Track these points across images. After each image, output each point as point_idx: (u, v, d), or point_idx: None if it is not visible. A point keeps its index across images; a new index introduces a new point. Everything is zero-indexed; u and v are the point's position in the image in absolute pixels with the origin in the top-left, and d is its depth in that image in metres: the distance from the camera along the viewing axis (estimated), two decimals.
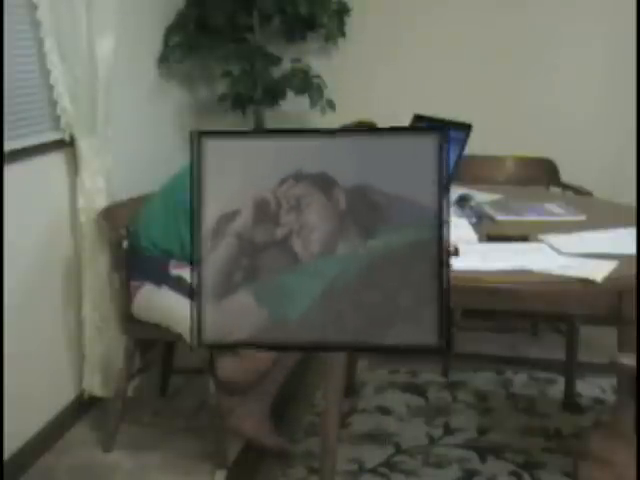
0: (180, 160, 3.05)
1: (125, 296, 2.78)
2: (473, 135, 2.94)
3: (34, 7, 2.70)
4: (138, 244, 2.73)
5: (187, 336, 2.64)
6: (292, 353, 2.84)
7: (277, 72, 3.92)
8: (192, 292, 2.60)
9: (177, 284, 2.66)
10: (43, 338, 2.87)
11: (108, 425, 2.92)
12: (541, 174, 3.64)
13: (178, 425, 3.09)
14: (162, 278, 2.68)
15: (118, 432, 2.93)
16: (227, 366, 2.67)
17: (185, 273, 2.68)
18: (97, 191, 2.92)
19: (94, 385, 3.07)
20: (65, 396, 3.06)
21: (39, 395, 2.87)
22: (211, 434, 2.84)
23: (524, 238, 2.37)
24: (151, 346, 3.32)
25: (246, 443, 2.91)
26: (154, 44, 3.68)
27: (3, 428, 2.57)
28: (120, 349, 2.95)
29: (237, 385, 2.75)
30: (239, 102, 3.86)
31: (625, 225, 2.50)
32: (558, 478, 2.77)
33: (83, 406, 3.12)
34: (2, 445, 2.59)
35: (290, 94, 3.89)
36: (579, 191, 3.44)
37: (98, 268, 2.97)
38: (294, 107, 3.99)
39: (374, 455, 2.90)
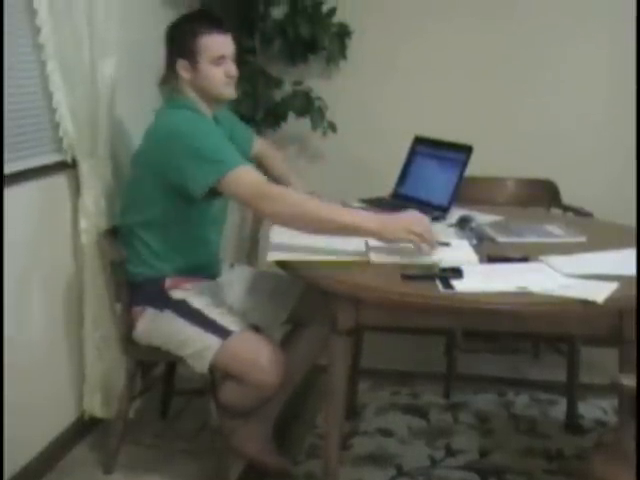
0: None
1: (126, 318, 2.78)
2: (474, 156, 2.96)
3: (37, 30, 2.71)
4: (130, 272, 2.76)
5: (190, 360, 2.64)
6: (295, 376, 2.85)
7: (278, 94, 3.94)
8: (196, 315, 2.63)
9: (180, 308, 2.66)
10: (44, 358, 2.87)
11: (109, 446, 2.91)
12: (542, 195, 3.65)
13: (179, 447, 3.08)
14: (164, 302, 2.68)
15: (119, 454, 2.92)
16: (229, 391, 2.66)
17: (188, 296, 2.68)
18: (99, 213, 2.93)
19: (95, 406, 3.05)
20: (67, 417, 3.06)
21: (40, 416, 2.87)
22: (212, 456, 2.83)
23: (525, 259, 2.38)
24: (152, 367, 3.31)
25: (247, 465, 2.90)
26: (156, 66, 3.69)
27: (4, 449, 2.57)
28: (121, 370, 2.94)
29: (238, 409, 2.74)
30: None
31: (625, 246, 2.51)
32: None
33: (84, 427, 3.12)
34: (2, 466, 2.58)
35: (291, 116, 3.91)
36: (580, 212, 3.45)
37: (99, 289, 2.97)
38: (295, 129, 4.01)
39: (375, 477, 2.89)
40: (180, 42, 2.70)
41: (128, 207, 2.80)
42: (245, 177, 2.48)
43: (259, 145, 3.14)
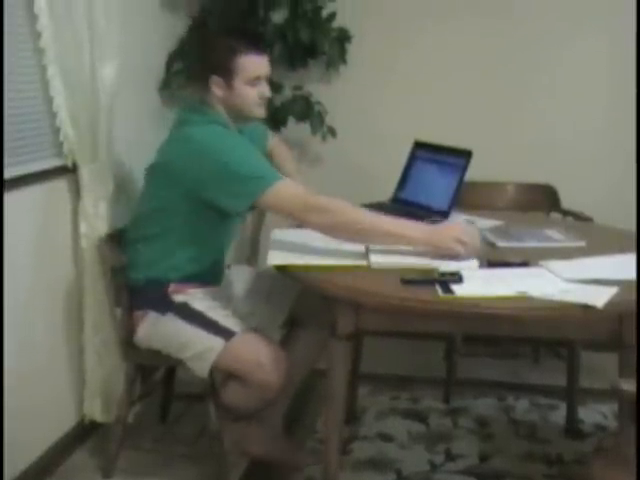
0: None
1: (127, 322, 2.78)
2: (474, 161, 2.96)
3: (37, 34, 2.72)
4: (132, 278, 2.76)
5: (190, 363, 2.64)
6: (295, 377, 2.85)
7: (278, 99, 3.94)
8: (198, 318, 2.63)
9: (182, 311, 2.66)
10: (44, 362, 2.87)
11: (108, 451, 2.91)
12: (541, 200, 3.65)
13: (178, 452, 3.08)
14: (166, 306, 2.68)
15: (118, 458, 2.91)
16: (232, 392, 2.66)
17: (190, 299, 2.68)
18: (99, 217, 2.93)
19: (95, 410, 3.05)
20: (67, 421, 3.06)
21: (40, 420, 2.86)
22: (212, 461, 2.83)
23: (524, 264, 2.38)
24: (152, 371, 3.31)
25: (246, 470, 2.90)
26: (156, 71, 3.70)
27: (4, 453, 2.57)
28: (121, 374, 2.94)
29: (242, 411, 2.74)
30: None
31: (625, 251, 2.51)
32: None
33: (84, 431, 3.11)
34: (2, 471, 2.58)
35: (291, 121, 3.91)
36: (579, 217, 3.45)
37: (99, 294, 2.97)
38: (295, 134, 4.01)
39: None
40: (216, 58, 2.67)
41: (144, 217, 2.76)
42: (285, 191, 2.50)
43: (273, 141, 3.14)
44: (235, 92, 2.66)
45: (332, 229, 2.49)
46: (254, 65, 2.65)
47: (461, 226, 2.50)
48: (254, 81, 2.66)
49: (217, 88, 2.66)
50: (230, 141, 2.60)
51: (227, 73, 2.64)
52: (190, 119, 2.70)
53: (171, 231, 2.68)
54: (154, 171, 2.73)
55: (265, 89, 2.70)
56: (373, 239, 2.48)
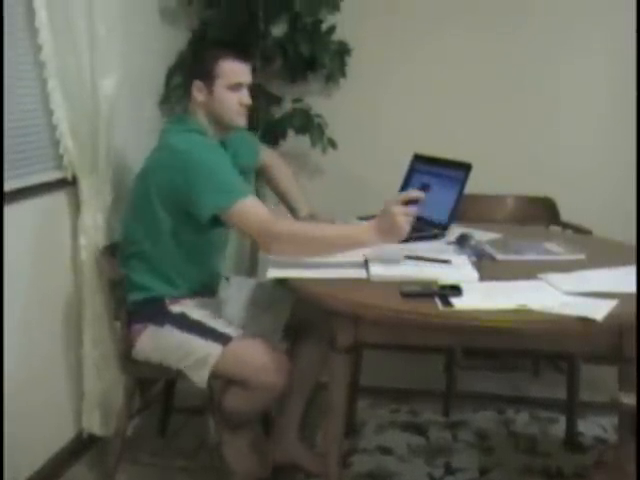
0: None
1: (126, 335, 2.77)
2: (473, 174, 2.96)
3: (38, 47, 2.73)
4: (130, 299, 2.76)
5: (189, 372, 2.63)
6: (305, 386, 2.89)
7: (278, 112, 3.95)
8: (195, 326, 2.62)
9: (179, 321, 2.66)
10: (43, 376, 2.87)
11: (107, 464, 2.90)
12: (541, 213, 3.66)
13: (177, 465, 3.06)
14: (164, 317, 2.68)
15: (117, 472, 2.89)
16: (233, 398, 2.64)
17: (187, 309, 2.68)
18: (98, 229, 2.93)
19: (93, 424, 3.05)
20: (65, 434, 3.05)
21: (38, 434, 2.86)
22: (211, 474, 2.82)
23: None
24: (151, 385, 3.31)
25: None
26: (156, 84, 3.71)
27: (3, 466, 2.56)
28: (120, 387, 2.94)
29: (245, 416, 2.73)
30: None
31: (625, 263, 2.51)
32: None
33: (82, 445, 3.11)
34: None
35: (291, 133, 3.92)
36: (579, 229, 3.45)
37: (98, 307, 2.97)
38: (295, 146, 4.02)
39: None
40: (200, 63, 2.71)
41: (133, 232, 2.75)
42: (250, 212, 2.50)
43: (267, 157, 3.13)
44: (215, 97, 2.68)
45: (292, 254, 2.51)
46: (235, 71, 2.68)
47: (387, 205, 2.43)
48: (234, 87, 2.68)
49: (198, 92, 2.69)
50: (204, 151, 2.60)
51: (208, 77, 2.67)
52: (171, 128, 2.74)
53: (159, 247, 2.68)
54: (136, 181, 2.76)
55: (245, 96, 2.71)
56: (334, 251, 2.51)
